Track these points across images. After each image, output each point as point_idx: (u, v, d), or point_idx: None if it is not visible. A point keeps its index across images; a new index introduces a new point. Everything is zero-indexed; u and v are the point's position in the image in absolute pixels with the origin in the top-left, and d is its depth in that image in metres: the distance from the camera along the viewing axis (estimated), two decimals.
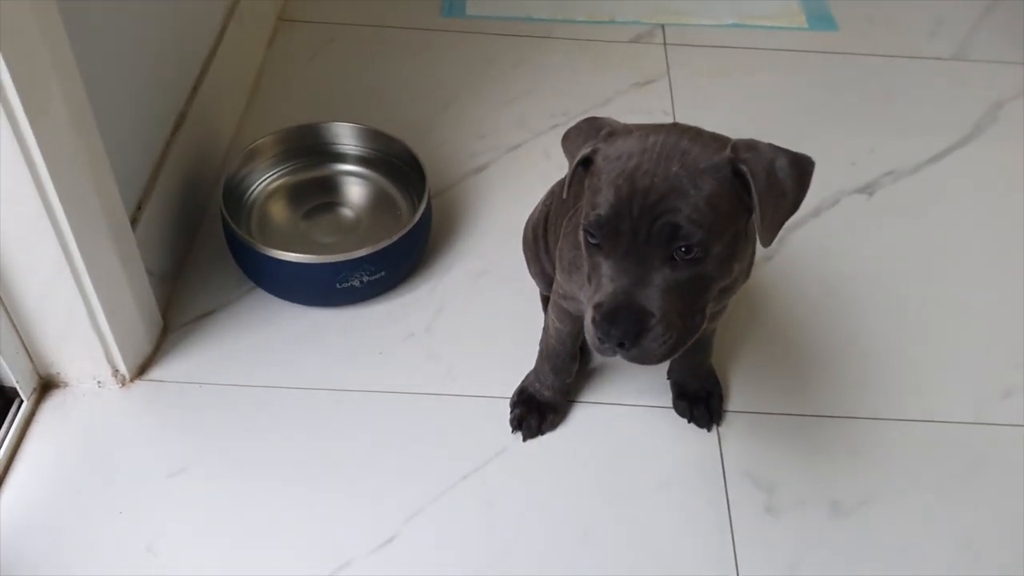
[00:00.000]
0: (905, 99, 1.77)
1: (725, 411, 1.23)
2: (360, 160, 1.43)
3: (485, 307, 1.35)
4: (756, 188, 0.82)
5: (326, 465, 1.15)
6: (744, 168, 0.82)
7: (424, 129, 1.60)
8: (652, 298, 0.83)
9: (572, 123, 1.64)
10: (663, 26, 1.89)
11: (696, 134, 0.85)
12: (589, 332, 0.86)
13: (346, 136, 1.42)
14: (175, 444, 1.16)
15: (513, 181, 1.54)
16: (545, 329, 1.17)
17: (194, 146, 1.37)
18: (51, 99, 0.95)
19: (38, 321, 1.13)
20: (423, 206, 1.31)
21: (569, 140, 0.93)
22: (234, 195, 1.34)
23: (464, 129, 1.63)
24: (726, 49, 1.86)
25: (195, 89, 1.39)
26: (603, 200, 0.83)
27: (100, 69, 1.08)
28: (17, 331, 1.14)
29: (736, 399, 1.25)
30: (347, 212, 1.40)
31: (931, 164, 1.63)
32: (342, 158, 1.44)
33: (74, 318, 1.13)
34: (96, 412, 1.18)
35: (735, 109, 1.70)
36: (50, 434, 1.16)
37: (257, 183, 1.40)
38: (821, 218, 1.52)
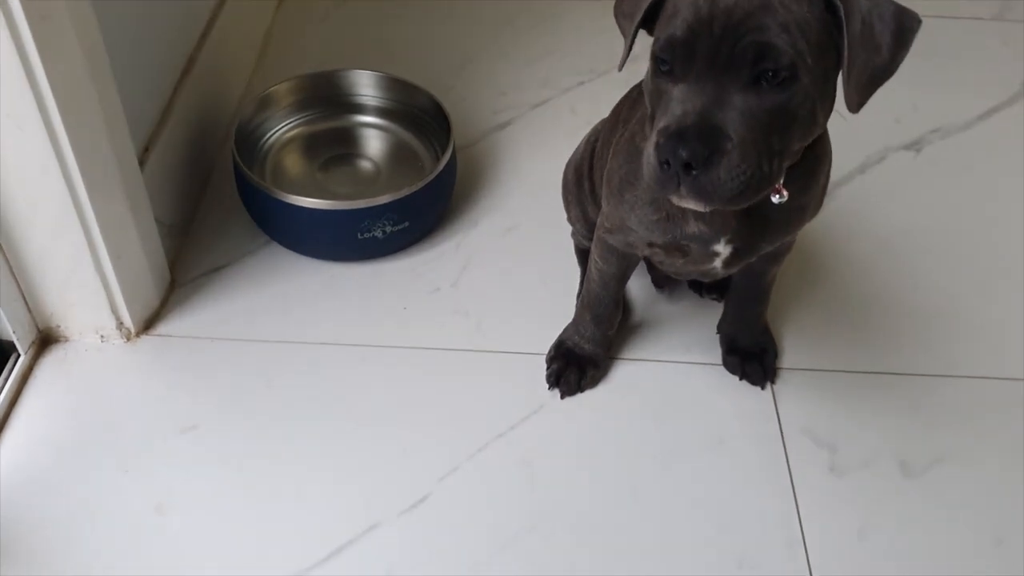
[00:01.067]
0: (946, 58, 1.69)
1: (779, 368, 1.14)
2: (380, 111, 1.35)
3: (515, 262, 1.26)
4: (848, 30, 0.72)
5: (349, 423, 1.05)
6: (838, 3, 0.72)
7: (443, 86, 1.51)
8: (730, 120, 0.72)
9: (600, 80, 1.59)
10: None
11: None
12: (650, 160, 0.75)
13: (366, 85, 1.34)
14: (184, 401, 1.06)
15: (539, 137, 1.45)
16: (587, 274, 1.08)
17: (203, 95, 1.29)
18: (58, 16, 0.87)
19: (40, 268, 1.05)
20: (449, 152, 1.22)
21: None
22: (247, 143, 1.26)
23: (485, 87, 1.54)
24: None
25: (204, 36, 1.31)
26: (679, 20, 0.73)
27: (110, 2, 1.00)
28: (16, 279, 1.05)
29: (790, 356, 1.16)
30: (366, 164, 1.31)
31: (980, 122, 1.54)
32: (361, 109, 1.35)
33: (78, 264, 1.05)
34: (99, 367, 1.09)
35: None
36: (49, 390, 1.06)
37: (272, 132, 1.31)
38: (867, 174, 1.43)
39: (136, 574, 0.92)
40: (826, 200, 1.35)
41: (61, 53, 0.89)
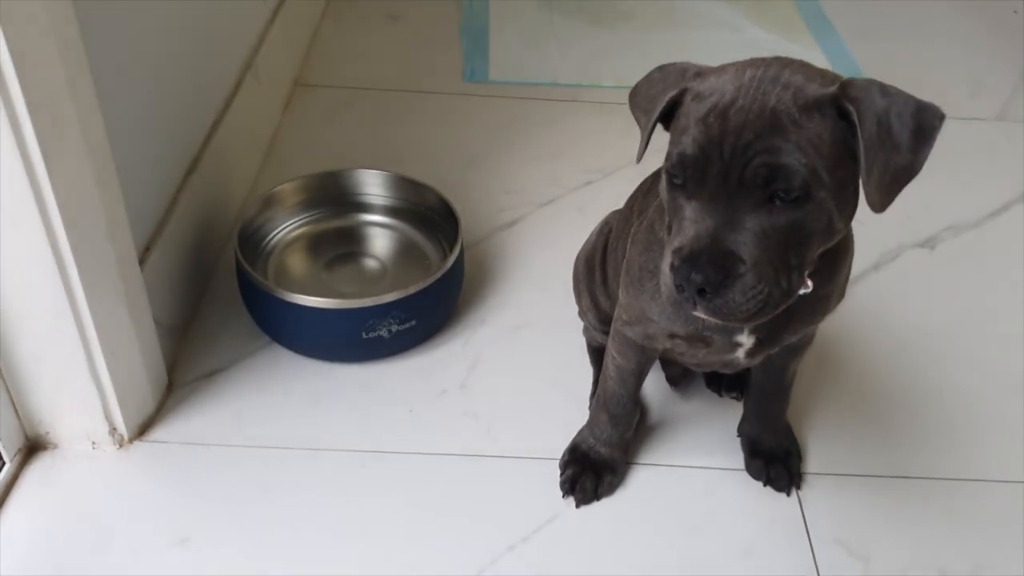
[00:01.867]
0: (952, 158, 1.68)
1: (804, 473, 1.09)
2: (386, 210, 1.33)
3: (525, 362, 1.21)
4: (862, 134, 0.70)
5: (352, 534, 0.99)
6: (850, 108, 0.70)
7: (449, 185, 1.48)
8: (743, 243, 0.71)
9: (607, 180, 1.58)
10: None
11: (801, 66, 0.74)
12: (666, 280, 0.74)
13: (372, 184, 1.32)
14: (178, 512, 1.00)
15: (546, 236, 1.43)
16: (603, 371, 1.03)
17: (207, 195, 1.27)
18: (63, 111, 0.85)
19: (31, 370, 1.00)
20: (457, 249, 1.19)
21: (640, 92, 0.81)
22: (250, 243, 1.23)
23: (492, 185, 1.53)
24: None
25: (209, 136, 1.30)
26: (689, 139, 0.72)
27: (115, 101, 0.98)
28: (4, 382, 1.00)
29: (813, 459, 1.11)
30: (372, 263, 1.28)
31: (991, 219, 1.53)
32: (367, 208, 1.33)
33: (72, 367, 1.00)
34: (88, 476, 1.03)
35: None
36: (35, 502, 1.00)
37: (276, 231, 1.28)
38: (882, 272, 1.40)
39: None
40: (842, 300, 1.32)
41: (63, 148, 0.87)
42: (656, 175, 0.92)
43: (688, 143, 0.72)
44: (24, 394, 1.02)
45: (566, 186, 1.54)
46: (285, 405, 1.13)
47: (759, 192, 0.71)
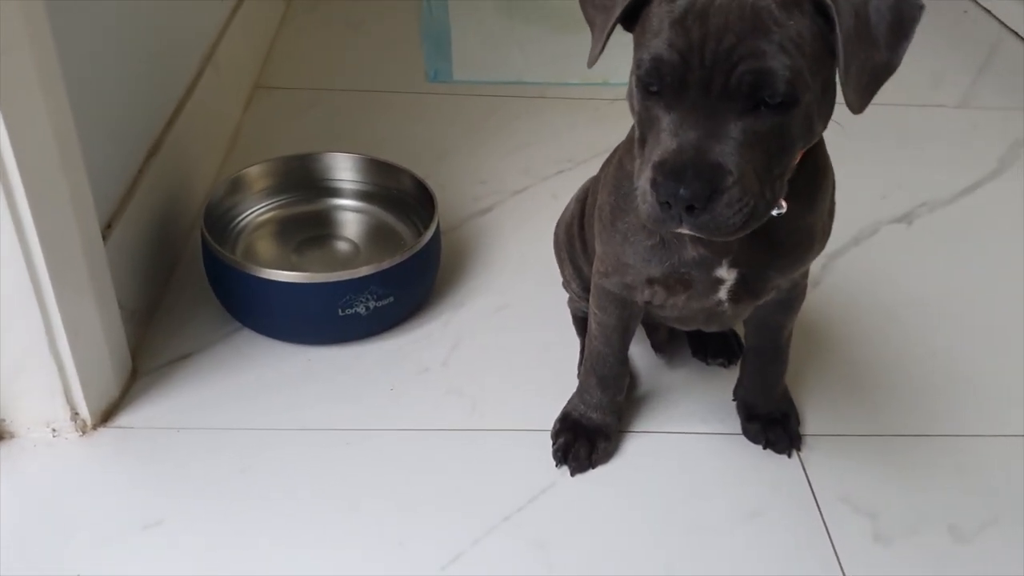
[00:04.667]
0: (920, 143, 1.69)
1: (803, 435, 1.05)
2: (358, 194, 1.28)
3: (508, 341, 1.17)
4: (840, 29, 0.67)
5: (338, 512, 0.93)
6: (828, 1, 0.68)
7: (424, 174, 1.45)
8: (728, 153, 0.68)
9: (578, 168, 1.55)
10: None
11: None
12: (646, 198, 0.70)
13: (343, 168, 1.28)
14: (147, 495, 0.94)
15: (521, 222, 1.40)
16: (588, 332, 0.99)
17: (171, 177, 1.22)
18: (28, 84, 0.81)
19: None
20: (434, 226, 1.15)
21: None
22: (218, 225, 1.18)
23: (464, 176, 1.50)
24: None
25: (170, 123, 1.25)
26: (664, 42, 0.67)
27: (79, 81, 0.94)
28: None
29: (811, 422, 1.07)
30: (344, 245, 1.23)
31: (965, 195, 1.53)
32: (338, 192, 1.28)
33: (32, 349, 0.94)
34: (50, 463, 0.96)
35: None
36: (8, 487, 0.93)
37: (244, 215, 1.23)
38: (862, 246, 1.39)
39: None
40: (824, 273, 1.31)
41: (29, 124, 0.83)
42: (628, 141, 0.89)
43: (663, 47, 0.68)
44: None
45: (538, 175, 1.52)
46: (258, 388, 1.07)
47: (744, 99, 0.68)
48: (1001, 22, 2.18)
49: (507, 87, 1.78)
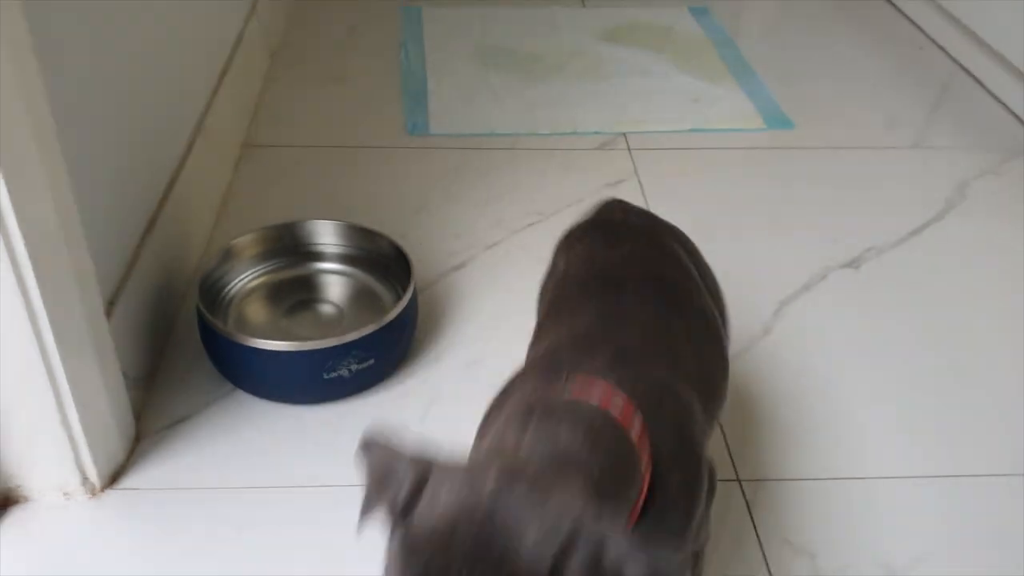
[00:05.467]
0: (871, 185, 1.80)
1: (751, 480, 1.15)
2: (341, 257, 1.38)
3: (481, 394, 1.26)
4: None
5: (330, 562, 1.03)
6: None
7: (399, 232, 1.54)
8: None
9: (548, 222, 1.65)
10: (625, 134, 1.91)
11: (545, 488, 0.58)
12: None
13: (326, 234, 1.38)
14: (155, 554, 1.03)
15: (494, 276, 1.50)
16: None
17: (166, 250, 1.31)
18: (31, 168, 0.90)
19: (3, 425, 1.03)
20: (410, 290, 1.25)
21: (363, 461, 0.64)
22: (210, 294, 1.27)
23: (440, 231, 1.60)
24: (691, 151, 1.88)
25: (165, 197, 1.34)
26: None
27: (78, 161, 1.03)
28: None
29: (760, 467, 1.17)
30: (329, 308, 1.33)
31: (912, 237, 1.63)
32: (322, 256, 1.38)
33: (44, 420, 1.03)
34: (62, 526, 1.06)
35: (707, 199, 1.70)
36: (11, 554, 1.02)
37: (234, 282, 1.33)
38: (812, 292, 1.49)
39: None
40: (775, 319, 1.41)
41: (35, 208, 0.92)
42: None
43: None
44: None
45: (510, 228, 1.61)
46: (251, 448, 1.17)
47: None
48: (954, 60, 2.29)
49: (480, 139, 1.88)
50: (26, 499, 1.08)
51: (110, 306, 1.14)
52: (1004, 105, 2.08)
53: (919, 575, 1.04)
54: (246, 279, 1.34)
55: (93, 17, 1.12)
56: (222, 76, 1.71)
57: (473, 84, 2.08)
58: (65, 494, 1.08)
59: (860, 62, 2.28)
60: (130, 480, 1.12)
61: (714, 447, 1.17)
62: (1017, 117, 2.03)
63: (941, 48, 2.34)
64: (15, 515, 1.07)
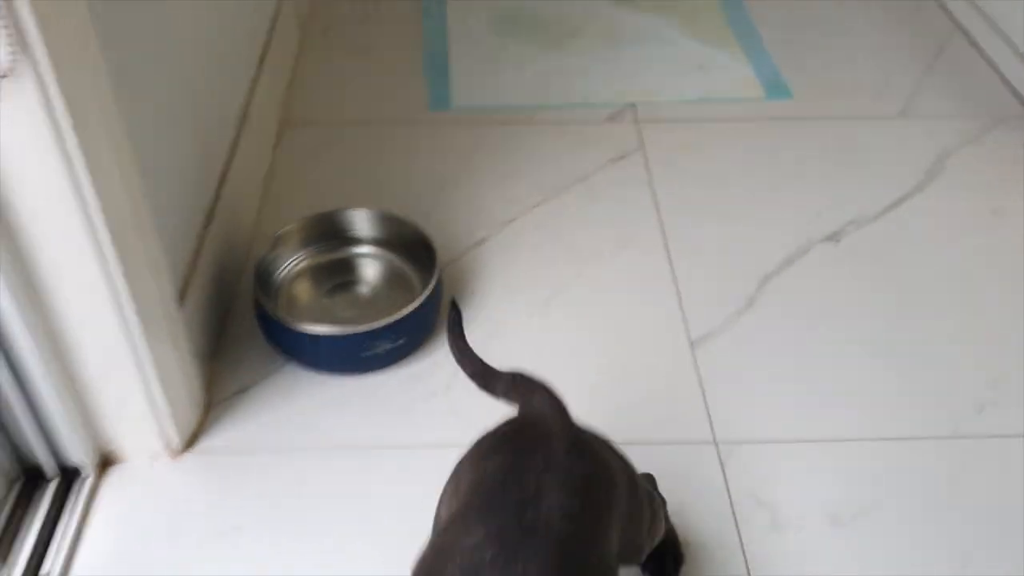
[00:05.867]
0: (858, 155, 1.94)
1: (728, 442, 1.35)
2: (374, 242, 1.57)
3: (500, 364, 1.47)
4: None
5: (379, 515, 1.25)
6: None
7: (426, 210, 1.73)
8: None
9: (558, 199, 1.82)
10: (635, 105, 2.06)
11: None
12: None
13: (361, 221, 1.57)
14: (227, 508, 1.26)
15: (511, 251, 1.68)
16: None
17: (224, 237, 1.51)
18: (110, 172, 1.07)
19: (99, 395, 1.24)
20: (434, 280, 1.45)
21: None
22: (263, 278, 1.47)
23: (462, 207, 1.77)
24: (693, 123, 2.03)
25: (220, 187, 1.53)
26: None
27: (146, 162, 1.20)
28: (80, 412, 1.24)
29: (735, 429, 1.37)
30: (365, 289, 1.53)
31: (890, 211, 1.79)
32: (358, 241, 1.58)
33: (131, 394, 1.24)
34: (152, 483, 1.29)
35: (704, 174, 1.86)
36: (112, 506, 1.26)
37: (283, 266, 1.53)
38: (795, 266, 1.66)
39: None
40: (758, 293, 1.59)
41: (116, 209, 1.08)
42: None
43: None
44: (95, 417, 1.26)
45: (523, 204, 1.79)
46: (304, 414, 1.38)
47: None
48: (953, 18, 2.38)
49: (498, 113, 2.04)
50: (121, 459, 1.31)
51: (182, 293, 1.34)
52: (996, 69, 2.18)
53: (860, 525, 1.25)
54: (293, 263, 1.54)
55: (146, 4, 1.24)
56: (262, 56, 1.86)
57: (492, 53, 2.23)
58: (152, 456, 1.30)
59: (860, 21, 2.38)
60: (204, 444, 1.34)
61: (694, 412, 1.38)
62: (1008, 82, 2.14)
63: (941, 7, 2.42)
64: (113, 473, 1.30)
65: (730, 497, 1.29)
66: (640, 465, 1.32)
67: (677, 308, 1.57)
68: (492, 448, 0.93)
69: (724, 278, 1.63)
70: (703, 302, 1.58)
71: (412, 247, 1.55)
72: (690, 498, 1.28)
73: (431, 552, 0.84)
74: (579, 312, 1.57)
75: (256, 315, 1.45)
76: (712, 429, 1.38)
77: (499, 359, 1.46)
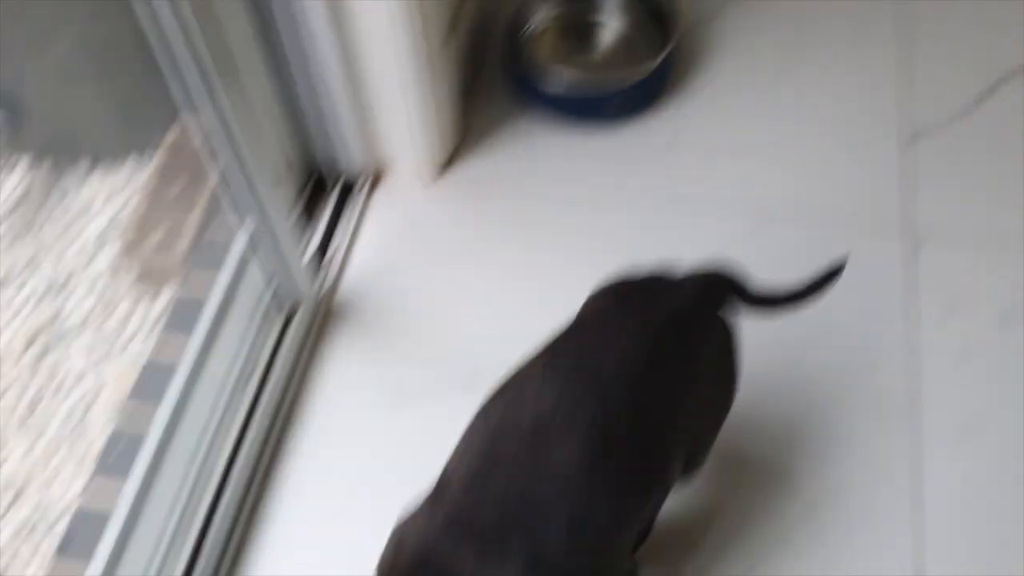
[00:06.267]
0: None
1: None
2: (617, 7, 1.71)
3: (718, 136, 1.61)
4: None
5: (582, 243, 1.48)
6: None
7: None
8: None
9: None
10: None
11: None
12: None
13: None
14: (469, 228, 1.53)
15: (744, 30, 1.76)
16: None
17: None
18: None
19: (382, 119, 1.48)
20: (670, 46, 1.58)
21: None
22: (511, 32, 1.65)
23: None
24: None
25: None
26: None
27: None
28: (360, 128, 1.50)
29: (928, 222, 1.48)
30: (601, 53, 1.69)
31: None
32: (601, 7, 1.72)
33: (402, 117, 1.47)
34: (413, 198, 1.57)
35: None
36: (382, 213, 1.56)
37: (529, 24, 1.70)
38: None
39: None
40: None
41: None
42: None
43: None
44: (372, 136, 1.52)
45: None
46: (540, 160, 1.60)
47: None
48: None
49: None
50: (393, 173, 1.58)
51: (448, 36, 1.53)
52: None
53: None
54: (538, 22, 1.70)
55: None
56: None
57: None
58: (415, 176, 1.57)
59: None
60: (457, 168, 1.59)
61: (888, 205, 1.49)
62: None
63: None
64: (383, 188, 1.58)
65: (906, 285, 1.41)
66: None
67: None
68: (616, 295, 1.01)
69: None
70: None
71: (650, 15, 1.67)
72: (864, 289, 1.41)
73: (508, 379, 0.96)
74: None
75: (502, 67, 1.64)
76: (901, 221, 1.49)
77: (719, 131, 1.60)
